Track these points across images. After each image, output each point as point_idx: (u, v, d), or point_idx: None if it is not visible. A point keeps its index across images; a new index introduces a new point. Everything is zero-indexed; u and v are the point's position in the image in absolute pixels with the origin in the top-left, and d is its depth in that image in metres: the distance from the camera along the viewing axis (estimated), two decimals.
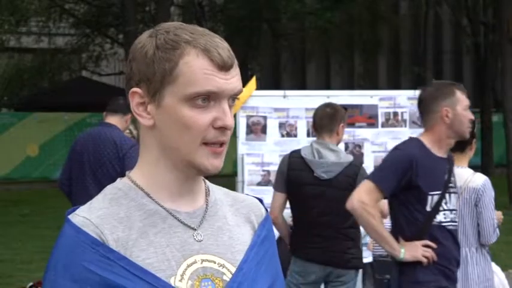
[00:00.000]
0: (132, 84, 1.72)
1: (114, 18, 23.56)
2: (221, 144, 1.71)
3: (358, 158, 7.12)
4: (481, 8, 25.21)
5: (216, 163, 1.71)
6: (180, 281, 1.68)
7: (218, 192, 1.84)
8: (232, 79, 1.71)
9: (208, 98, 1.68)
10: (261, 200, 1.91)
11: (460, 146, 5.13)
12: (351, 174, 5.50)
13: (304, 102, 7.16)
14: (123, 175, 1.82)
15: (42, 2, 22.70)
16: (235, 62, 1.73)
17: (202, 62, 1.68)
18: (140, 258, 1.67)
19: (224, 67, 1.69)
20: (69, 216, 1.69)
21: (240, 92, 1.75)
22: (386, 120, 7.14)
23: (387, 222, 7.08)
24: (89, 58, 25.46)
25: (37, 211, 16.52)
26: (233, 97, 1.73)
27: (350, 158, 5.68)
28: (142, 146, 1.77)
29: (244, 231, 1.81)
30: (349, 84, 30.03)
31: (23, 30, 23.56)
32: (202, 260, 1.72)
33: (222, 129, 1.69)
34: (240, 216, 1.83)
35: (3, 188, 21.07)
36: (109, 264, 1.64)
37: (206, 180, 1.84)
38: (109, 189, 1.75)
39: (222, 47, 1.70)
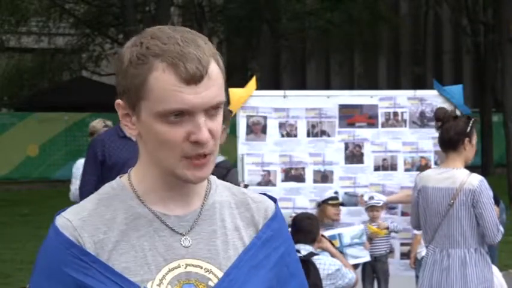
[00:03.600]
0: (119, 95, 1.73)
1: (114, 18, 23.56)
2: (204, 155, 1.67)
3: (358, 157, 7.11)
4: (481, 8, 25.21)
5: (199, 174, 1.68)
6: (159, 285, 1.66)
7: (223, 193, 1.81)
8: (205, 92, 1.64)
9: (181, 113, 1.64)
10: (274, 200, 1.86)
11: (451, 144, 5.14)
12: (217, 177, 5.24)
13: (304, 102, 7.15)
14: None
15: (42, 2, 22.72)
16: (209, 72, 1.64)
17: (168, 77, 1.63)
18: (118, 261, 1.67)
19: (192, 80, 1.63)
20: (56, 217, 1.72)
21: (219, 103, 1.66)
22: (386, 120, 7.13)
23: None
24: (89, 58, 25.45)
25: (37, 211, 16.51)
26: (213, 107, 1.66)
27: (219, 159, 5.35)
28: (139, 149, 1.77)
29: (245, 235, 1.77)
30: (349, 84, 30.02)
31: (23, 30, 23.57)
32: (187, 265, 1.69)
33: (198, 143, 1.65)
34: (243, 219, 1.79)
35: (3, 188, 21.06)
36: (83, 267, 1.65)
37: (215, 180, 1.82)
38: (104, 188, 1.76)
39: (191, 59, 1.62)
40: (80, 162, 8.12)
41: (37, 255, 1.73)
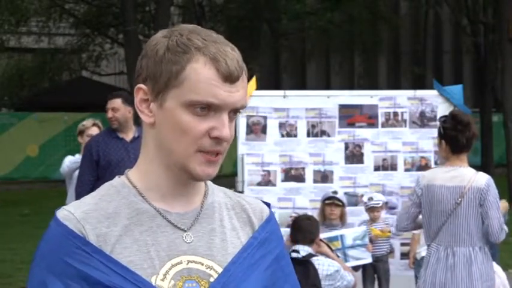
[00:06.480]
0: (140, 81, 1.73)
1: (114, 18, 23.53)
2: (216, 153, 1.70)
3: (358, 157, 7.12)
4: (481, 8, 25.19)
5: (209, 171, 1.71)
6: (162, 280, 1.68)
7: (219, 194, 1.84)
8: (237, 93, 1.69)
9: (209, 107, 1.67)
10: (268, 204, 1.90)
11: (469, 146, 5.18)
12: None
13: (304, 102, 7.16)
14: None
15: (42, 2, 22.69)
16: (243, 75, 1.71)
17: (208, 71, 1.67)
18: (122, 255, 1.67)
19: (230, 78, 1.67)
20: (57, 211, 1.72)
21: (243, 107, 1.72)
22: (386, 120, 7.14)
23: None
24: (88, 58, 25.42)
25: (37, 211, 16.51)
26: (235, 111, 1.71)
27: None
28: (143, 144, 1.78)
29: (242, 235, 1.81)
30: (349, 84, 30.02)
31: (23, 30, 23.53)
32: (189, 261, 1.71)
33: (218, 139, 1.68)
34: (239, 220, 1.83)
35: (3, 188, 21.06)
36: (86, 257, 1.65)
37: (209, 182, 1.84)
38: (104, 186, 1.78)
39: (232, 58, 1.68)
40: (68, 159, 8.13)
41: (36, 248, 1.72)
